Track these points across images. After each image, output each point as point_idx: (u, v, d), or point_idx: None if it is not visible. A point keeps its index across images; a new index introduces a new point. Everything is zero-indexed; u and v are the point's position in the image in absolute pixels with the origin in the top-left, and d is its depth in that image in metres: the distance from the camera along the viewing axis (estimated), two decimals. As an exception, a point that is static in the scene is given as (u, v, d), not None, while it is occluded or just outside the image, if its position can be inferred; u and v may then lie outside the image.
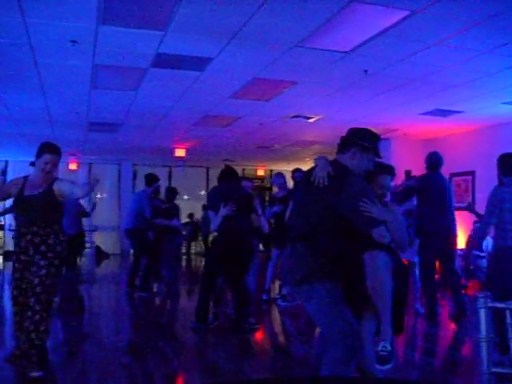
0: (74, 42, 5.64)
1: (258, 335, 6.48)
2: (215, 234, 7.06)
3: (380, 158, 3.48)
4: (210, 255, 7.30)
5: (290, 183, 8.37)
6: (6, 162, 16.19)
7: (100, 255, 16.39)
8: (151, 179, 9.36)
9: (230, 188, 6.48)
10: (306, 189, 3.37)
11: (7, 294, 8.12)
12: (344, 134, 3.50)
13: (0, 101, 8.36)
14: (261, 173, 18.28)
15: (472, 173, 10.72)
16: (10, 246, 14.04)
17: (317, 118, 9.39)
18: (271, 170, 17.78)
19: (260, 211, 6.66)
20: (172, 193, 9.46)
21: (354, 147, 3.39)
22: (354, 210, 3.18)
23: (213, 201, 6.60)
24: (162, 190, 10.32)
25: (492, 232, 5.41)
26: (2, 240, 16.04)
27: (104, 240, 17.04)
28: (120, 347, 5.74)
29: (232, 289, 6.65)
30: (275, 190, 9.78)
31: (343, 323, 3.14)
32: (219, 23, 5.18)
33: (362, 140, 3.40)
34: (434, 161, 6.96)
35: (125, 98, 8.34)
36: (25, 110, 9.10)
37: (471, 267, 9.59)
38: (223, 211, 6.28)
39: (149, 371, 4.85)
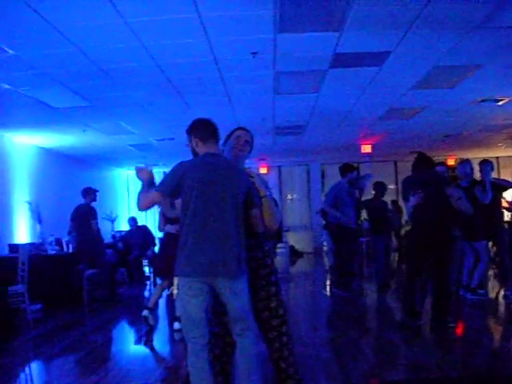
0: (255, 53, 5.93)
1: (455, 331, 6.27)
2: (407, 227, 6.92)
3: None
4: (407, 249, 7.09)
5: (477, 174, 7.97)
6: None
7: (294, 254, 16.85)
8: (344, 169, 8.78)
9: (419, 177, 6.35)
10: None
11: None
12: None
13: (194, 114, 8.93)
14: (451, 162, 17.52)
15: None
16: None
17: (507, 99, 8.83)
18: (462, 159, 16.97)
19: (459, 194, 6.29)
20: (379, 187, 9.21)
21: None
22: None
23: (403, 191, 6.53)
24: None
25: None
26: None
27: (297, 239, 17.51)
28: (317, 343, 5.88)
29: (434, 283, 6.29)
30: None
31: None
32: (394, 15, 5.12)
33: None
34: None
35: (307, 100, 8.55)
36: (215, 121, 9.68)
37: None
38: (412, 201, 6.14)
39: (346, 366, 4.93)
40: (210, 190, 3.42)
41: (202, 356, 3.40)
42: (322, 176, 17.81)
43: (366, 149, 13.78)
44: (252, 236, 3.62)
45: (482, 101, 9.01)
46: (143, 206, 3.60)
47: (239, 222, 3.47)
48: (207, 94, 7.81)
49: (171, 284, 6.92)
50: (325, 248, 16.00)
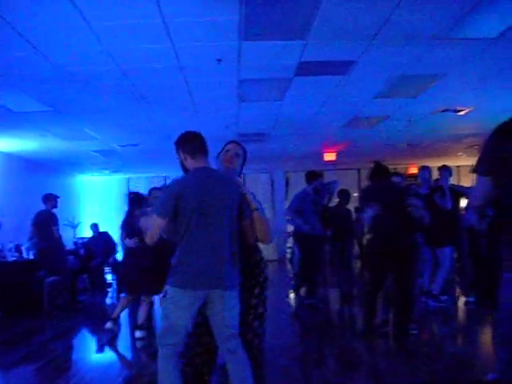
0: (220, 60, 5.94)
1: (418, 338, 6.35)
2: (368, 236, 6.99)
3: None
4: (368, 258, 7.17)
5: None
6: (165, 177, 17.15)
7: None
8: (310, 176, 8.73)
9: (376, 187, 6.42)
10: None
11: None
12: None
13: (158, 120, 8.96)
14: (413, 170, 17.80)
15: None
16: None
17: (467, 110, 9.01)
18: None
19: (418, 203, 6.35)
20: (344, 195, 9.20)
21: None
22: None
23: (360, 202, 6.64)
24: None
25: None
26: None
27: (260, 247, 17.42)
28: (280, 350, 5.87)
29: (398, 290, 6.34)
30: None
31: None
32: (359, 25, 5.17)
33: None
34: None
35: (271, 108, 8.57)
36: (179, 128, 9.59)
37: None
38: (369, 212, 6.20)
39: (309, 374, 4.95)
40: (206, 206, 3.44)
41: (172, 362, 3.41)
42: (286, 184, 17.85)
43: (330, 157, 13.86)
44: (243, 248, 3.65)
45: (444, 111, 9.16)
46: (154, 237, 3.55)
47: (234, 235, 3.52)
48: (171, 100, 7.77)
49: (134, 299, 6.92)
50: (288, 255, 16.04)
